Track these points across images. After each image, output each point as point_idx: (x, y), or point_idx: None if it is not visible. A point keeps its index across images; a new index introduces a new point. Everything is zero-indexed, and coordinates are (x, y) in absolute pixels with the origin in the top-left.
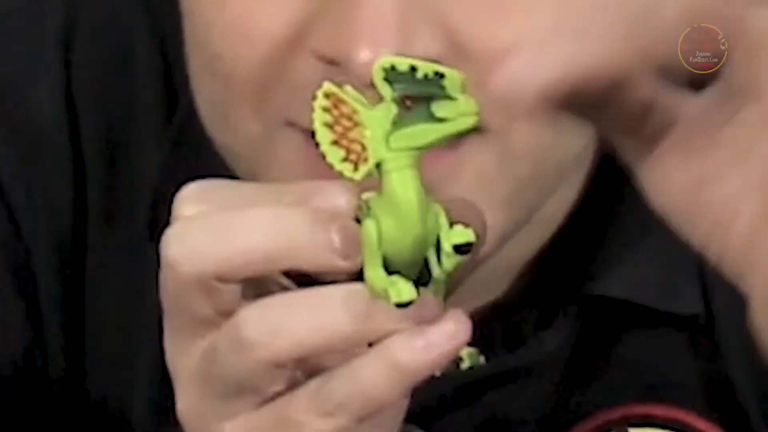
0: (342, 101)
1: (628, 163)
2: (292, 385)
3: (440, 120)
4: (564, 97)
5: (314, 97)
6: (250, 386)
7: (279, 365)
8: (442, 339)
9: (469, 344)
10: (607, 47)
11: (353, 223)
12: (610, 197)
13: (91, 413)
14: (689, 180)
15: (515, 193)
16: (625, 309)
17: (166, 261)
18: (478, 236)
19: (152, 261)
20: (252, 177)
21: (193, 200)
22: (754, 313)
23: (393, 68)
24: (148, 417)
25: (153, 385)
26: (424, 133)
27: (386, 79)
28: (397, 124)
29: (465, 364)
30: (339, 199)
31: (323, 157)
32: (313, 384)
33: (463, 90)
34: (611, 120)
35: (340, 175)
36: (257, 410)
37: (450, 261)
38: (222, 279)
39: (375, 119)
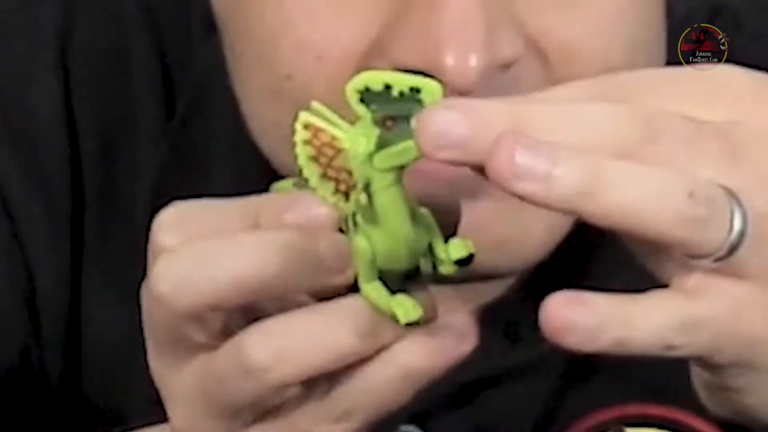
0: (321, 130)
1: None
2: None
3: None
4: None
5: (293, 131)
6: (256, 406)
7: (287, 386)
8: (449, 341)
9: None
10: None
11: (339, 236)
12: None
13: (89, 413)
14: None
15: None
16: None
17: (155, 296)
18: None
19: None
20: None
21: (171, 228)
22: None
23: (367, 89)
24: (146, 417)
25: (153, 384)
26: (407, 150)
27: (362, 100)
28: (380, 144)
29: None
30: (316, 210)
31: (314, 192)
32: (320, 391)
33: (441, 94)
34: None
35: (334, 208)
36: (264, 423)
37: (449, 269)
38: (215, 309)
39: (355, 142)
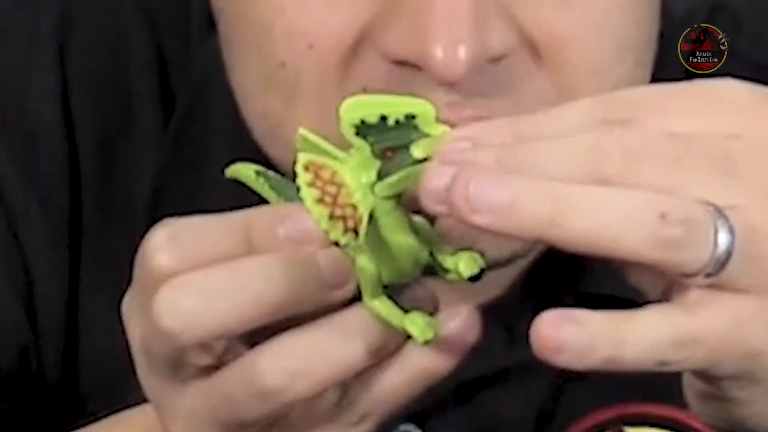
0: (321, 167)
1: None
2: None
3: (422, 160)
4: None
5: (294, 175)
6: (266, 420)
7: (300, 402)
8: (456, 337)
9: None
10: None
11: (336, 251)
12: None
13: (87, 414)
14: None
15: None
16: (620, 307)
17: (159, 330)
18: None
19: None
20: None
21: (165, 250)
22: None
23: (362, 122)
24: None
25: None
26: (408, 177)
27: (358, 134)
28: (381, 174)
29: None
30: (308, 223)
31: (326, 232)
32: (331, 398)
33: (437, 119)
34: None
35: (346, 246)
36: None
37: (458, 279)
38: (220, 338)
39: (355, 174)
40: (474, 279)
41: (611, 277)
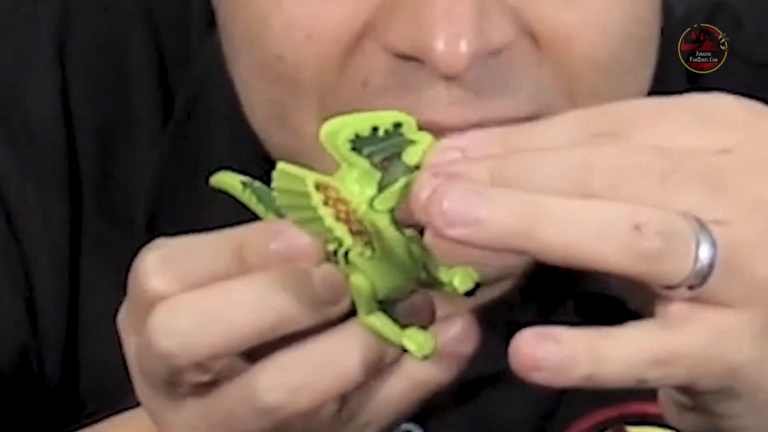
0: (327, 186)
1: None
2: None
3: (415, 167)
4: None
5: (307, 195)
6: None
7: (301, 416)
8: (454, 346)
9: None
10: None
11: (330, 267)
12: None
13: (87, 414)
14: None
15: None
16: (622, 306)
17: (154, 352)
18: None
19: None
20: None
21: (159, 272)
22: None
23: (357, 136)
24: None
25: None
26: (405, 187)
27: (353, 149)
28: (381, 186)
29: None
30: (300, 240)
31: (347, 251)
32: (331, 409)
33: (419, 127)
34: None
35: (338, 262)
36: None
37: (453, 291)
38: (218, 358)
39: (361, 192)
40: (469, 293)
41: (612, 279)
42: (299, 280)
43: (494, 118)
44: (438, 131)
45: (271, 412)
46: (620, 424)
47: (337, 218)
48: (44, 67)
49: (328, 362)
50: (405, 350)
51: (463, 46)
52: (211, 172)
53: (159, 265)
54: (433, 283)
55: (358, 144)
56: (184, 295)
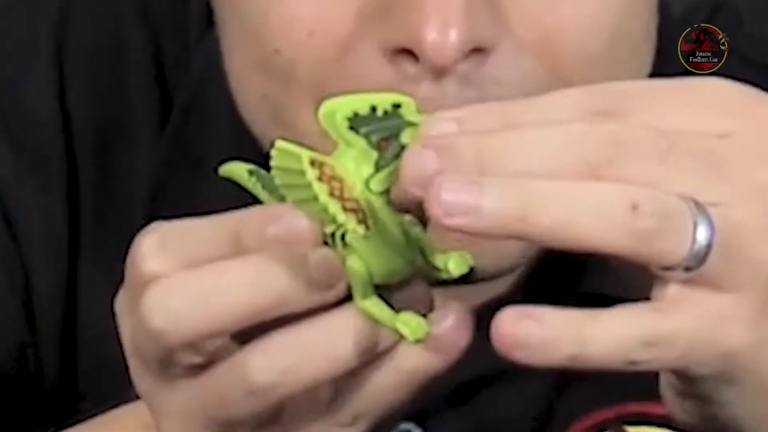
0: (322, 163)
1: None
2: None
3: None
4: None
5: (302, 172)
6: (258, 418)
7: (292, 401)
8: (448, 337)
9: None
10: None
11: (326, 251)
12: None
13: (84, 411)
14: None
15: None
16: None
17: (147, 330)
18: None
19: None
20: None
21: (155, 254)
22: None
23: (356, 115)
24: None
25: None
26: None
27: (351, 128)
28: (377, 166)
29: None
30: (298, 224)
31: (343, 234)
32: (323, 397)
33: (419, 110)
34: None
35: (335, 246)
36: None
37: (449, 276)
38: (211, 338)
39: (358, 171)
40: (464, 278)
41: (613, 278)
42: (295, 263)
43: None
44: None
45: (263, 392)
46: (619, 424)
47: (331, 195)
48: (42, 68)
49: (320, 344)
50: (399, 337)
51: (453, 36)
52: (210, 172)
53: (155, 247)
54: (428, 269)
55: (356, 123)
56: (179, 274)
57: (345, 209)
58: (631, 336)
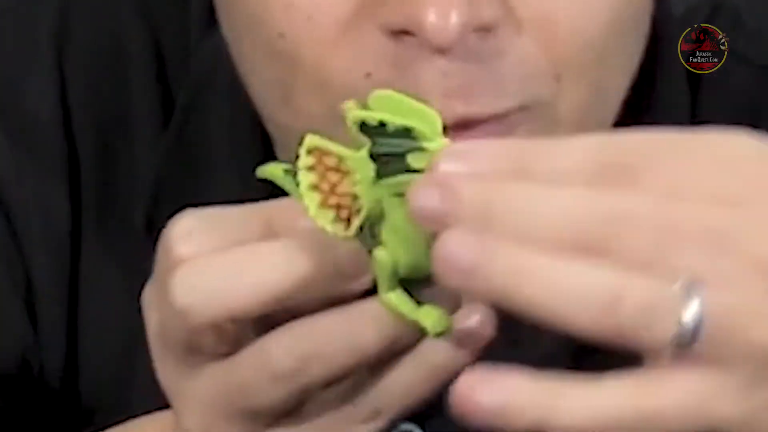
0: (327, 153)
1: None
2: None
3: (417, 170)
4: None
5: (297, 157)
6: (279, 408)
7: (311, 390)
8: (473, 334)
9: None
10: None
11: (355, 243)
12: None
13: (88, 414)
14: None
15: None
16: None
17: (174, 309)
18: None
19: (150, 260)
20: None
21: (188, 238)
22: None
23: (364, 123)
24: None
25: (154, 385)
26: (406, 182)
27: (362, 130)
28: (378, 175)
29: None
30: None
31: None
32: (343, 391)
33: (439, 131)
34: None
35: (334, 237)
36: (285, 424)
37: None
38: (235, 320)
39: (365, 165)
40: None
41: None
42: (324, 249)
43: (482, 114)
44: None
45: (283, 378)
46: None
47: (315, 186)
48: (43, 68)
49: (342, 333)
50: (421, 331)
51: (454, 17)
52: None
53: (186, 231)
54: None
55: (365, 129)
56: (209, 254)
57: (323, 204)
58: (609, 410)
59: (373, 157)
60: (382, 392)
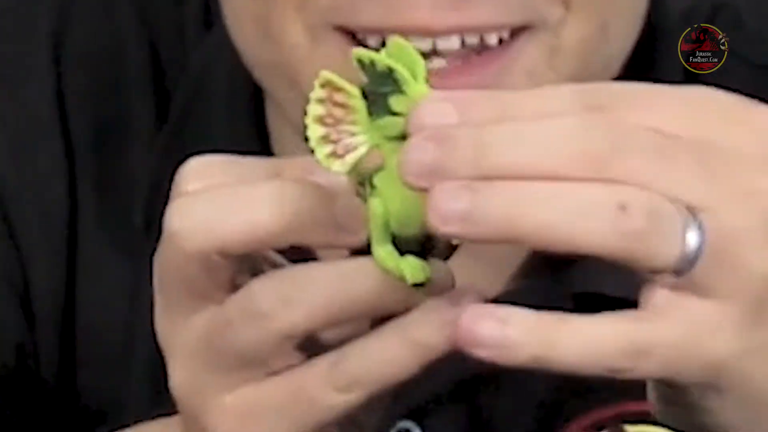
0: (338, 89)
1: None
2: (301, 360)
3: (397, 114)
4: None
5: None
6: (258, 359)
7: (291, 337)
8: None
9: None
10: None
11: (356, 199)
12: None
13: (84, 412)
14: None
15: None
16: (620, 306)
17: (168, 235)
18: None
19: (148, 259)
20: (293, 88)
21: (195, 176)
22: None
23: (360, 60)
24: (144, 415)
25: (150, 383)
26: (392, 125)
27: (362, 69)
28: (370, 114)
29: None
30: (336, 176)
31: (311, 152)
32: (328, 359)
33: (422, 77)
34: None
35: (327, 170)
36: (265, 382)
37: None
38: (224, 253)
39: (361, 102)
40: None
41: (610, 278)
42: (323, 197)
43: (478, 25)
44: (423, 33)
45: (261, 318)
46: (618, 423)
47: (320, 119)
48: (41, 68)
49: (326, 281)
50: (409, 298)
51: None
52: None
53: (195, 170)
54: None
55: (361, 67)
56: (208, 188)
57: (324, 138)
58: (607, 344)
59: (365, 95)
60: (360, 361)
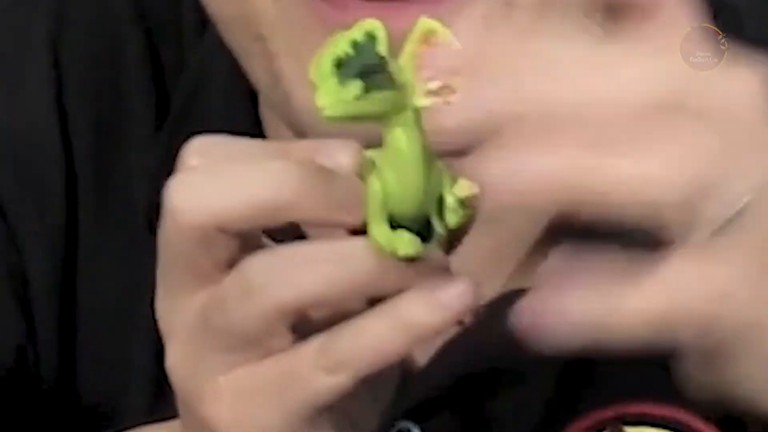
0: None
1: None
2: (295, 342)
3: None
4: None
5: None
6: (251, 337)
7: (284, 314)
8: (450, 299)
9: None
10: None
11: (357, 179)
12: None
13: (83, 413)
14: None
15: None
16: None
17: (168, 209)
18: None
19: (149, 259)
20: (258, 41)
21: (198, 153)
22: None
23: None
24: (144, 416)
25: (150, 384)
26: (386, 100)
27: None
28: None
29: None
30: (342, 156)
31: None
32: (319, 340)
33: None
34: None
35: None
36: (257, 363)
37: (454, 216)
38: (223, 229)
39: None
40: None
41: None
42: (324, 175)
43: None
44: None
45: (256, 294)
46: (618, 424)
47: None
48: (39, 69)
49: (318, 261)
50: (397, 260)
51: None
52: None
53: (200, 147)
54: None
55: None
56: (209, 164)
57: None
58: (652, 306)
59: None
60: (349, 341)
